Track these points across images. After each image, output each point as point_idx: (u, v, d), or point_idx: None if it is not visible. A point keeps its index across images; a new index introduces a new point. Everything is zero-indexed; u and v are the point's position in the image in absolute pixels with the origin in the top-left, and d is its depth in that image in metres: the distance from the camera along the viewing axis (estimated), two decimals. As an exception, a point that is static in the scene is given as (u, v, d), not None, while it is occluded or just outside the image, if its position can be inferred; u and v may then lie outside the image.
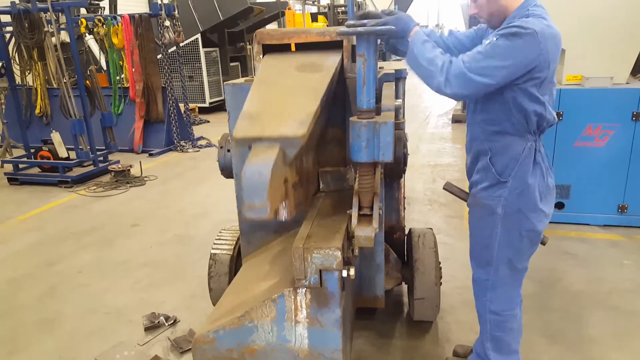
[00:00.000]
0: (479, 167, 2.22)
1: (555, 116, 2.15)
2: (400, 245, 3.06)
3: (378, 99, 2.25)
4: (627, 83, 4.09)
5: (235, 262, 3.01)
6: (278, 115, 1.82)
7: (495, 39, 1.95)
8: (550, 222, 2.34)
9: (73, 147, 6.68)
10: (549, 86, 2.06)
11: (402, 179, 2.91)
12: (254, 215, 1.57)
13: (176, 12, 8.17)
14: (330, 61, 2.31)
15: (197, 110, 11.62)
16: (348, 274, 1.97)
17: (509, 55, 1.92)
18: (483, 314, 2.36)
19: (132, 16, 7.77)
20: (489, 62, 1.93)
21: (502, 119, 2.10)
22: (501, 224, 2.15)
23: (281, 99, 2.02)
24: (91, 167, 6.86)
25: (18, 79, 7.28)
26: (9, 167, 7.07)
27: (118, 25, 7.73)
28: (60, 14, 6.67)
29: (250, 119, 1.82)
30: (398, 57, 2.62)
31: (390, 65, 2.94)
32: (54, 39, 6.54)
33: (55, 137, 6.66)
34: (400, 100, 2.72)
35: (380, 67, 2.73)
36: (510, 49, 1.92)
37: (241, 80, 2.66)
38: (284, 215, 1.73)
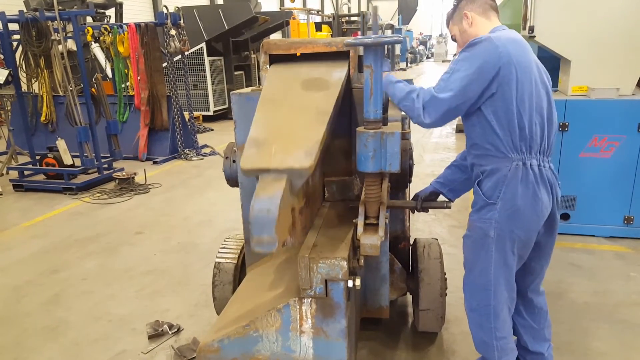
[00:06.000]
0: (473, 191, 2.24)
1: (547, 126, 2.12)
2: (405, 256, 3.05)
3: (384, 109, 2.26)
4: (633, 94, 4.09)
5: (240, 271, 3.01)
6: (285, 143, 1.83)
7: (457, 55, 2.08)
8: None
9: (78, 154, 6.71)
10: (528, 92, 2.04)
11: (407, 189, 2.92)
12: (262, 250, 1.62)
13: (182, 21, 8.23)
14: (337, 76, 2.31)
15: (201, 118, 11.67)
16: (354, 284, 1.97)
17: (470, 62, 2.01)
18: (490, 342, 2.30)
19: (138, 25, 7.83)
20: (454, 76, 2.03)
21: (483, 141, 2.12)
22: (495, 246, 2.15)
23: (287, 123, 2.02)
24: (96, 175, 6.88)
25: (25, 87, 7.33)
26: (14, 174, 7.09)
27: (124, 34, 7.78)
28: (67, 22, 6.73)
29: (257, 146, 1.82)
30: (402, 67, 2.64)
31: (396, 76, 2.95)
32: (60, 47, 6.58)
33: (61, 144, 6.69)
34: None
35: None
36: (470, 57, 2.02)
37: (247, 90, 2.67)
38: (290, 242, 1.76)
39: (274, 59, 2.57)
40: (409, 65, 29.87)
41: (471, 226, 2.23)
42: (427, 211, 2.66)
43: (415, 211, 2.63)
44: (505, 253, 2.15)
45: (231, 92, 2.64)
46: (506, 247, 2.14)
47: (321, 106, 2.06)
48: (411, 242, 3.07)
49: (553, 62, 4.20)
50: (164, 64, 8.35)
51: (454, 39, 2.33)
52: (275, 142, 1.84)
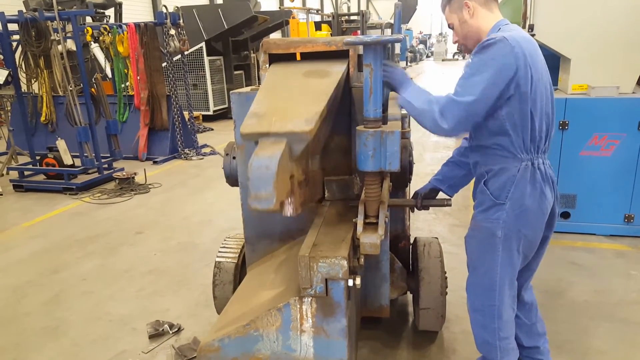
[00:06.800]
0: (477, 191, 2.22)
1: (551, 125, 2.12)
2: (406, 255, 3.05)
3: (384, 107, 2.26)
4: (633, 93, 4.08)
5: (240, 271, 3.01)
6: (285, 114, 1.82)
7: (471, 58, 2.00)
8: (555, 232, 2.33)
9: (78, 154, 6.72)
10: (540, 92, 2.02)
11: (408, 187, 2.91)
12: (260, 206, 1.57)
13: (181, 20, 8.22)
14: (337, 68, 2.31)
15: (201, 118, 11.67)
16: (354, 283, 1.97)
17: (487, 65, 1.94)
18: (493, 342, 2.29)
19: (137, 25, 7.83)
20: (471, 80, 1.96)
21: (492, 141, 2.10)
22: (502, 246, 2.13)
23: (288, 100, 2.02)
24: (96, 175, 6.88)
25: (24, 87, 7.33)
26: (14, 174, 7.09)
27: (123, 34, 7.78)
28: (66, 22, 6.73)
29: (257, 117, 1.82)
30: (403, 66, 2.64)
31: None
32: (60, 47, 6.58)
33: (61, 144, 6.69)
34: (406, 109, 2.72)
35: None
36: (486, 59, 1.95)
37: (247, 89, 2.66)
38: (289, 210, 1.72)
39: (274, 59, 2.56)
40: (408, 64, 29.85)
41: (477, 226, 2.21)
42: (427, 209, 2.66)
43: (416, 209, 2.62)
44: (511, 252, 2.14)
45: (231, 92, 2.63)
46: (513, 246, 2.13)
47: (321, 89, 2.05)
48: (411, 241, 3.07)
49: (553, 61, 4.19)
50: (164, 64, 8.35)
51: (450, 27, 2.24)
52: (276, 114, 1.83)
